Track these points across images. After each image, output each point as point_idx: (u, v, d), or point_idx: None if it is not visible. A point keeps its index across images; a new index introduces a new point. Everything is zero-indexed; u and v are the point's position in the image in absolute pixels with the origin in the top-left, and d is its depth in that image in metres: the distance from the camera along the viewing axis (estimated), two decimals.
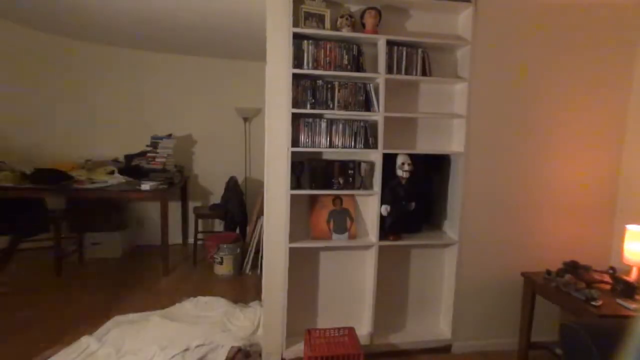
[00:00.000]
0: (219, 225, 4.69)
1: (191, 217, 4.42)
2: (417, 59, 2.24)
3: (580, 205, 2.50)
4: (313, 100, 2.18)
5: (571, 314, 1.98)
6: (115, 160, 4.20)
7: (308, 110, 2.16)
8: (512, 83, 2.36)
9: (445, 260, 2.51)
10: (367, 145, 2.25)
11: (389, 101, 2.23)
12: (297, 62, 2.11)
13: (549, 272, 2.21)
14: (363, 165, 2.30)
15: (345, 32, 2.13)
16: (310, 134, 2.20)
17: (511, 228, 2.44)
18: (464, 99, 2.29)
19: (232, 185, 4.14)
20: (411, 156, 2.30)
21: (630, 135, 2.47)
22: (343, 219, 2.34)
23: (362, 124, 2.24)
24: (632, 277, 2.06)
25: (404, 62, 2.23)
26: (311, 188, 2.25)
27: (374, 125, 2.25)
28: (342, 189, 2.28)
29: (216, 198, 4.55)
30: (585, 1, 2.37)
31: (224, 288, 3.35)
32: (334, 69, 2.16)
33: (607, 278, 2.10)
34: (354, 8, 2.21)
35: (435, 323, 2.57)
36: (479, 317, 2.46)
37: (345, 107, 2.20)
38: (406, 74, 2.24)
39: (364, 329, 2.39)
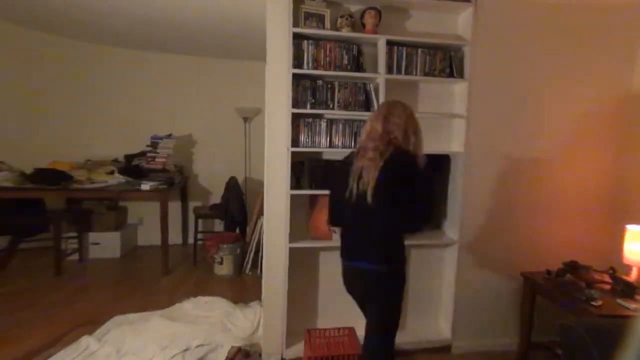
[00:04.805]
0: (219, 225, 4.69)
1: (191, 217, 4.41)
2: (417, 59, 2.24)
3: (580, 206, 2.50)
4: (313, 100, 2.18)
5: (571, 314, 1.98)
6: (115, 160, 4.20)
7: (308, 110, 2.16)
8: (512, 83, 2.36)
9: (445, 260, 2.51)
10: None
11: None
12: (297, 62, 2.11)
13: (549, 272, 2.21)
14: None
15: (345, 32, 2.13)
16: (310, 134, 2.20)
17: (511, 228, 2.44)
18: (464, 99, 2.29)
19: (232, 185, 4.13)
20: None
21: (630, 136, 2.47)
22: None
23: (362, 124, 2.23)
24: (632, 277, 2.06)
25: (404, 62, 2.23)
26: (311, 188, 2.25)
27: None
28: None
29: (216, 198, 4.55)
30: (586, 1, 2.37)
31: (224, 288, 3.34)
32: (334, 69, 2.16)
33: (607, 278, 2.10)
34: (354, 8, 2.21)
35: (435, 323, 2.57)
36: (478, 317, 2.46)
37: (345, 107, 2.20)
38: (406, 74, 2.24)
39: (364, 329, 2.38)
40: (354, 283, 1.64)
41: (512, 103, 2.38)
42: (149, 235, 4.41)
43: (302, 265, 2.34)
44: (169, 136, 4.23)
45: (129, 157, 4.19)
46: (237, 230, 4.09)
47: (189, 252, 4.11)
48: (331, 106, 2.19)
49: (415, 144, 1.48)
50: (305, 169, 2.25)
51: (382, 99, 2.19)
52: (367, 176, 1.42)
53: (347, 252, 1.61)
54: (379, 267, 1.49)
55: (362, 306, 1.71)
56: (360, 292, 1.65)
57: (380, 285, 1.52)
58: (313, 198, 2.33)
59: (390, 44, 2.19)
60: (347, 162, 1.60)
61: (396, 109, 1.51)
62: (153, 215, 3.89)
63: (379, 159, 1.41)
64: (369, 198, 1.41)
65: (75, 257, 3.89)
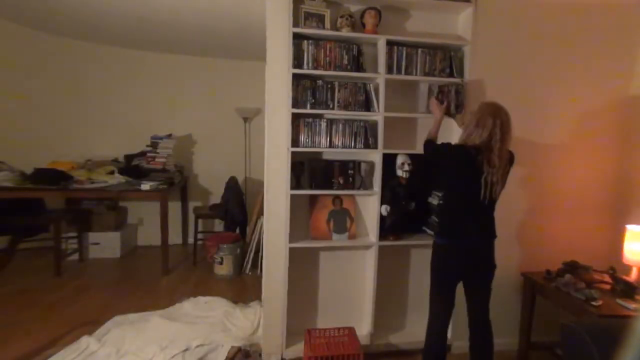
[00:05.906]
0: (219, 225, 4.69)
1: (191, 217, 4.42)
2: (417, 59, 2.24)
3: (580, 205, 2.49)
4: (313, 100, 2.18)
5: (571, 314, 1.98)
6: (115, 160, 4.20)
7: (308, 110, 2.16)
8: (512, 83, 2.35)
9: None
10: (367, 145, 2.24)
11: (389, 101, 2.22)
12: (297, 62, 2.11)
13: (549, 272, 2.22)
14: (363, 165, 2.30)
15: (345, 32, 2.13)
16: (310, 134, 2.20)
17: (511, 228, 2.44)
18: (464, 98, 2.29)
19: (232, 185, 4.13)
20: (411, 156, 2.30)
21: (630, 135, 2.47)
22: (343, 219, 2.34)
23: (362, 124, 2.24)
24: (632, 277, 2.06)
25: (404, 62, 2.23)
26: (311, 188, 2.25)
27: (374, 125, 2.25)
28: (342, 189, 2.28)
29: (216, 198, 4.55)
30: (586, 1, 2.37)
31: (224, 288, 3.35)
32: (334, 69, 2.16)
33: (607, 278, 2.10)
34: (354, 8, 2.21)
35: None
36: None
37: (345, 107, 2.20)
38: (406, 74, 2.24)
39: (364, 329, 2.38)
40: (468, 258, 1.94)
41: (512, 103, 2.36)
42: (149, 235, 4.41)
43: (302, 265, 2.34)
44: (169, 136, 4.22)
45: (129, 157, 4.19)
46: (237, 230, 4.09)
47: (189, 252, 4.12)
48: (331, 106, 2.19)
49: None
50: (305, 169, 2.25)
51: (382, 99, 2.19)
52: (493, 178, 1.76)
53: (466, 232, 1.91)
54: (493, 241, 1.95)
55: (452, 287, 2.02)
56: (473, 266, 1.96)
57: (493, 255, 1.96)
58: (313, 198, 2.33)
59: (390, 44, 2.19)
60: (459, 154, 1.83)
61: (504, 116, 1.77)
62: (153, 215, 3.90)
63: (506, 165, 1.78)
64: (495, 194, 1.80)
65: (75, 257, 3.89)
